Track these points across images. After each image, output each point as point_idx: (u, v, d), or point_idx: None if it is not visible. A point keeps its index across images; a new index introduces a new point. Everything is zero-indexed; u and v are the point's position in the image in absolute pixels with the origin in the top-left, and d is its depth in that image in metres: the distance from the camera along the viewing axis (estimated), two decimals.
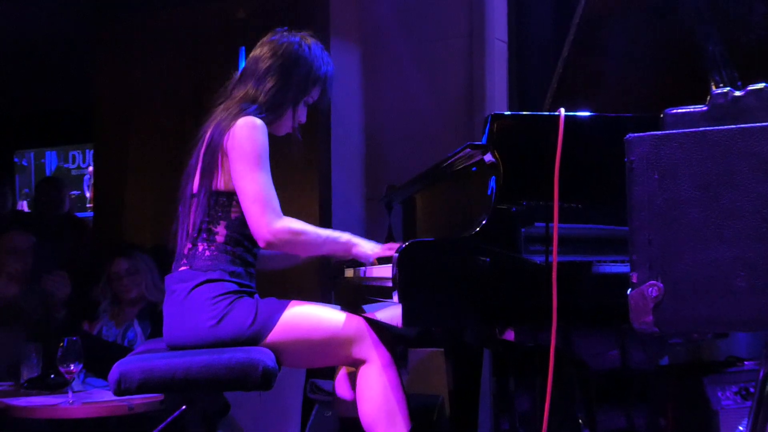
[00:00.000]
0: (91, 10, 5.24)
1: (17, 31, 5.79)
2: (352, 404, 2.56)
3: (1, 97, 6.88)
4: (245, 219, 2.56)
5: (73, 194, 7.24)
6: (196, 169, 2.65)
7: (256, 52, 2.76)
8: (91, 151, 6.98)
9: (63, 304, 4.17)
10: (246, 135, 2.54)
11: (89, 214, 7.00)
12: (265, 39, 2.78)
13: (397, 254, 2.06)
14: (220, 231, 2.59)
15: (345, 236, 2.64)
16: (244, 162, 2.53)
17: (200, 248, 2.59)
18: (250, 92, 2.69)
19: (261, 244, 2.54)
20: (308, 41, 2.76)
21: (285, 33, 2.78)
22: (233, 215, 2.59)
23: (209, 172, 2.59)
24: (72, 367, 3.24)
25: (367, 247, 2.61)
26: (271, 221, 2.50)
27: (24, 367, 3.71)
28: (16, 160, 7.89)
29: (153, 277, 4.03)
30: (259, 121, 2.58)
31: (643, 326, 1.56)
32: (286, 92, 2.71)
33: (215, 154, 2.58)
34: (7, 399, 3.35)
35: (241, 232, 2.59)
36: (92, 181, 7.38)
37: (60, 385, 3.47)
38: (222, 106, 2.71)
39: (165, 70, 5.15)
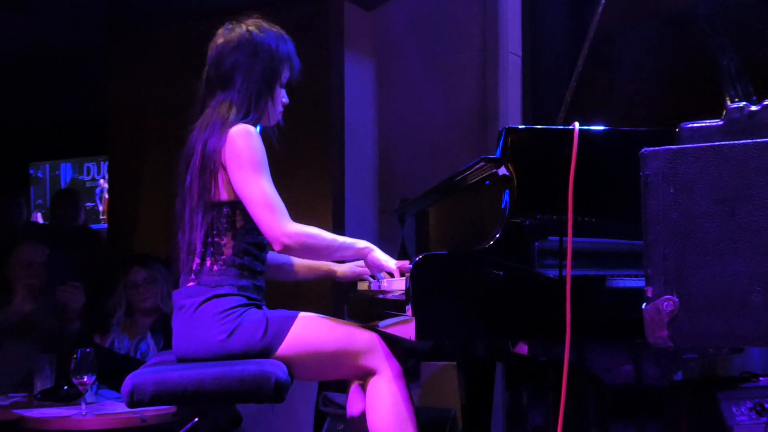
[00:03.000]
0: (106, 23, 5.27)
1: (33, 44, 5.83)
2: (365, 423, 2.55)
3: (17, 109, 6.92)
4: (251, 227, 2.54)
5: (87, 206, 7.27)
6: (192, 188, 2.61)
7: (211, 55, 2.71)
8: (106, 163, 7.00)
9: (77, 316, 4.17)
10: (242, 143, 2.51)
11: (102, 226, 7.02)
12: (214, 40, 2.73)
13: (410, 266, 2.06)
14: (227, 243, 2.57)
15: (362, 243, 2.64)
16: (245, 170, 2.50)
17: (208, 263, 2.57)
18: (223, 98, 2.64)
19: (277, 247, 2.49)
20: (256, 26, 2.70)
21: (230, 26, 2.73)
22: (238, 224, 2.57)
23: (208, 186, 2.55)
24: (85, 379, 3.24)
25: (383, 257, 2.62)
26: (286, 224, 2.48)
27: (37, 378, 3.71)
28: (31, 171, 7.93)
29: (168, 288, 4.02)
30: (252, 128, 2.55)
31: (658, 341, 1.55)
32: (257, 84, 2.65)
33: (214, 168, 2.54)
34: (20, 410, 3.35)
35: (247, 241, 2.58)
36: (104, 193, 7.41)
37: (73, 397, 3.47)
38: (199, 122, 2.67)
39: (179, 82, 5.14)
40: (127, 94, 5.39)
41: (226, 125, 2.56)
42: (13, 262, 4.28)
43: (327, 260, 2.81)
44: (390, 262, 2.61)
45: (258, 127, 2.65)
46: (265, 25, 2.73)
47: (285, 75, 2.73)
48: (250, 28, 2.70)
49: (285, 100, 2.77)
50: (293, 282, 3.01)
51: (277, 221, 2.47)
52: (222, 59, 2.67)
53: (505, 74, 4.52)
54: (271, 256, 2.74)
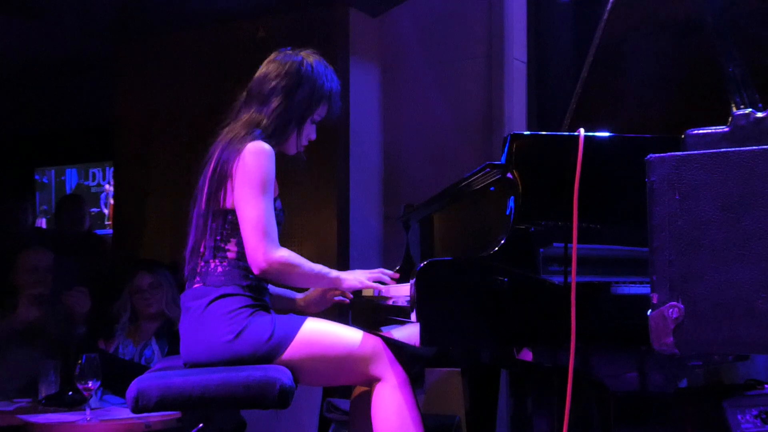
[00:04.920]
0: (112, 29, 5.29)
1: (40, 50, 5.85)
2: (368, 427, 2.55)
3: (23, 114, 6.94)
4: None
5: (92, 211, 7.28)
6: (203, 189, 2.68)
7: (261, 72, 2.79)
8: (111, 169, 7.02)
9: (83, 321, 4.17)
10: (253, 160, 2.57)
11: (107, 231, 7.03)
12: (269, 59, 2.82)
13: (414, 276, 2.06)
14: (231, 248, 2.62)
15: (334, 272, 2.70)
16: (248, 187, 2.56)
17: (212, 265, 2.62)
18: (255, 115, 2.72)
19: (255, 271, 2.56)
20: (311, 59, 2.79)
21: (288, 53, 2.81)
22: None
23: (217, 193, 2.62)
24: (90, 384, 3.24)
25: (353, 280, 2.69)
26: (269, 250, 2.53)
27: (42, 383, 3.71)
28: (36, 177, 7.94)
29: (173, 294, 4.03)
30: (267, 147, 2.61)
31: (663, 347, 1.55)
32: (291, 112, 2.73)
33: (223, 177, 2.60)
34: (25, 416, 3.36)
35: None
36: (109, 198, 7.42)
37: (78, 402, 3.48)
38: (228, 128, 2.74)
39: (185, 88, 5.18)
40: (133, 99, 5.40)
41: (246, 140, 2.63)
42: (19, 268, 4.28)
43: (303, 286, 2.84)
44: (361, 279, 2.69)
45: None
46: (319, 60, 2.82)
47: (320, 112, 2.81)
48: (308, 59, 2.79)
49: (312, 136, 2.85)
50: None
51: (262, 245, 2.53)
52: (267, 80, 2.75)
53: (510, 80, 4.52)
54: None
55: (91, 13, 4.95)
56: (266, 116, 2.71)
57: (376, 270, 2.75)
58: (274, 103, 2.71)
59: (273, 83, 2.73)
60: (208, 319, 2.54)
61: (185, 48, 5.20)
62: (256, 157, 2.57)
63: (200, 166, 2.75)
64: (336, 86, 2.83)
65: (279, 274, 2.57)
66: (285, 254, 2.56)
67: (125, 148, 5.48)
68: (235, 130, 2.69)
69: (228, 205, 2.60)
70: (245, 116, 2.73)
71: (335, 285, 2.71)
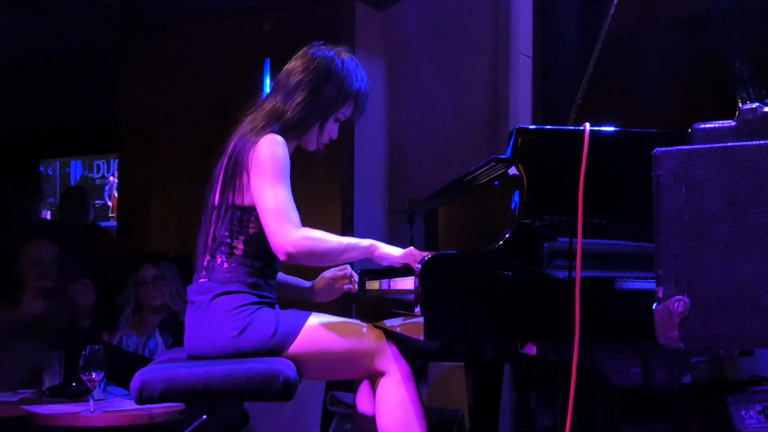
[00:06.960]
0: (118, 23, 5.29)
1: (46, 44, 5.85)
2: (373, 420, 2.56)
3: (28, 107, 6.94)
4: (263, 234, 2.52)
5: (96, 203, 7.29)
6: (218, 180, 2.66)
7: (290, 65, 2.75)
8: (116, 161, 7.02)
9: (87, 313, 4.18)
10: (266, 151, 2.54)
11: (112, 223, 7.04)
12: (300, 53, 2.77)
13: (420, 266, 2.06)
14: (239, 245, 2.60)
15: (366, 241, 2.55)
16: (264, 176, 2.52)
17: (218, 260, 2.61)
18: (278, 105, 2.68)
19: (281, 257, 2.48)
20: (342, 56, 2.74)
21: (320, 47, 2.77)
22: (251, 230, 2.59)
23: (230, 185, 2.59)
24: (94, 376, 3.24)
25: (390, 251, 2.52)
26: (291, 232, 2.44)
27: (46, 374, 3.72)
28: (41, 169, 7.95)
29: (177, 286, 4.04)
30: (279, 138, 2.58)
31: (668, 341, 1.55)
32: (315, 107, 2.69)
33: (237, 169, 2.58)
34: (29, 406, 3.36)
35: (259, 247, 2.59)
36: (113, 190, 7.43)
37: (81, 393, 3.48)
38: (249, 117, 2.71)
39: (190, 82, 5.18)
40: (139, 93, 5.41)
41: (263, 131, 2.60)
42: (23, 260, 4.28)
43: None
44: (397, 252, 2.50)
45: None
46: (351, 59, 2.77)
47: (345, 111, 2.76)
48: (340, 56, 2.74)
49: (334, 135, 2.80)
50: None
51: (283, 229, 2.45)
52: (296, 72, 2.72)
53: (516, 75, 4.52)
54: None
55: (98, 7, 4.95)
56: (290, 108, 2.66)
57: (406, 250, 2.51)
58: (300, 95, 2.67)
59: (301, 75, 2.69)
60: (213, 315, 2.53)
61: (191, 42, 5.21)
62: (268, 147, 2.54)
63: (217, 155, 2.72)
64: (365, 87, 2.78)
65: (306, 255, 2.45)
66: (308, 232, 2.45)
67: (130, 140, 5.49)
68: (256, 119, 2.67)
69: (240, 201, 2.58)
70: (269, 105, 2.70)
71: (368, 254, 2.53)
